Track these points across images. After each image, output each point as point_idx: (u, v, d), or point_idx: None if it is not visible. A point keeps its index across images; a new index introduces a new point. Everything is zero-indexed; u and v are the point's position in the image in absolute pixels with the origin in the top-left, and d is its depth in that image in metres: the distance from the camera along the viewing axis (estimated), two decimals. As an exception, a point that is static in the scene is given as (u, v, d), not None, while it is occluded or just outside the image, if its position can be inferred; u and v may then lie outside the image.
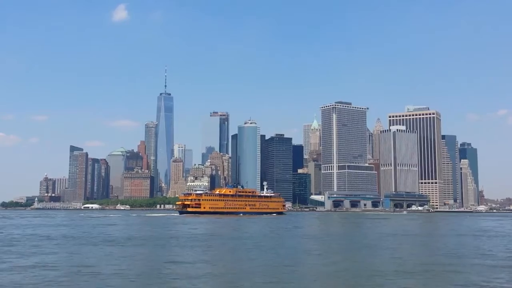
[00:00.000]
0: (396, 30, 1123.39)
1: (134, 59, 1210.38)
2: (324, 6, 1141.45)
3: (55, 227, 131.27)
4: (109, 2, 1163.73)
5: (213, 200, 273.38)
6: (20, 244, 72.69)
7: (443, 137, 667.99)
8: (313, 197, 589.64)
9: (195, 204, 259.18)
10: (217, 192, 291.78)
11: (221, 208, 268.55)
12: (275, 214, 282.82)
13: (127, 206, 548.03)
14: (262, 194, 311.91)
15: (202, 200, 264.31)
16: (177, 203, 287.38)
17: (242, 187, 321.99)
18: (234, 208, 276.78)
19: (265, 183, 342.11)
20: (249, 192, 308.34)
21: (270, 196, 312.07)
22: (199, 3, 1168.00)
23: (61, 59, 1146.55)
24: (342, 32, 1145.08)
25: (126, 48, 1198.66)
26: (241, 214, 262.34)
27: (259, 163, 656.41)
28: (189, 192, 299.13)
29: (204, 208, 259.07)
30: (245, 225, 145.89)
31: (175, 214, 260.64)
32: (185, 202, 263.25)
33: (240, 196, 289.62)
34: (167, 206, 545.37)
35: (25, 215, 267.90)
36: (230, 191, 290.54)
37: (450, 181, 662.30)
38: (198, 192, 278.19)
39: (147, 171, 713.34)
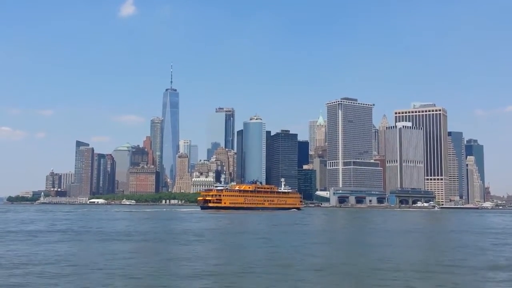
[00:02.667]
0: (402, 27, 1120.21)
1: (140, 54, 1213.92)
2: (330, 2, 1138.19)
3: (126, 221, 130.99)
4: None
5: (234, 196, 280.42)
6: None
7: (449, 133, 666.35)
8: (319, 193, 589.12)
9: (216, 199, 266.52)
10: (237, 188, 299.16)
11: (241, 203, 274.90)
12: (295, 210, 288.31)
13: (133, 201, 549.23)
14: (280, 190, 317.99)
15: (223, 195, 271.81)
16: (198, 198, 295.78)
17: (261, 183, 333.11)
18: (254, 203, 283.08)
19: (282, 179, 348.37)
20: (268, 188, 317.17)
21: (288, 192, 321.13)
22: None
23: (68, 53, 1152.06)
24: (348, 28, 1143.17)
25: (133, 44, 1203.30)
26: (260, 210, 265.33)
27: (265, 159, 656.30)
28: (209, 188, 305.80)
29: (225, 203, 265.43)
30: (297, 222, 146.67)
31: (197, 209, 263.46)
32: (207, 198, 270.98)
33: (259, 192, 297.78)
34: (172, 201, 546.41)
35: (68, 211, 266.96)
36: (249, 187, 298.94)
37: (456, 177, 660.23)
38: (218, 188, 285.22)
39: (152, 166, 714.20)
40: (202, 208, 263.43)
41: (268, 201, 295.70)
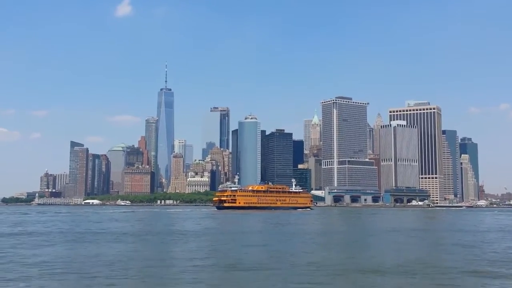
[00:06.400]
0: (397, 25, 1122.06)
1: (135, 54, 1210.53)
2: (325, 2, 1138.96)
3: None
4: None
5: (247, 196, 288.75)
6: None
7: (444, 132, 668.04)
8: (314, 192, 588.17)
9: (231, 199, 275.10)
10: (250, 188, 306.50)
11: (255, 203, 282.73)
12: (309, 209, 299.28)
13: (128, 202, 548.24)
14: (291, 190, 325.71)
15: (238, 196, 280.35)
16: (214, 199, 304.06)
17: (273, 183, 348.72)
18: (267, 203, 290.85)
19: (293, 180, 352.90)
20: (280, 188, 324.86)
21: (299, 192, 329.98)
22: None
23: (63, 53, 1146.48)
24: (342, 28, 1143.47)
25: (128, 44, 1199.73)
26: (273, 209, 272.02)
27: (260, 158, 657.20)
28: (223, 188, 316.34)
29: (239, 203, 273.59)
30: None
31: (213, 209, 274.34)
32: (222, 198, 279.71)
33: (271, 192, 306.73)
34: (167, 202, 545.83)
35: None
36: (262, 187, 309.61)
37: (450, 176, 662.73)
38: (233, 188, 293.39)
39: (147, 166, 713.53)
40: (218, 208, 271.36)
41: (280, 200, 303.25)
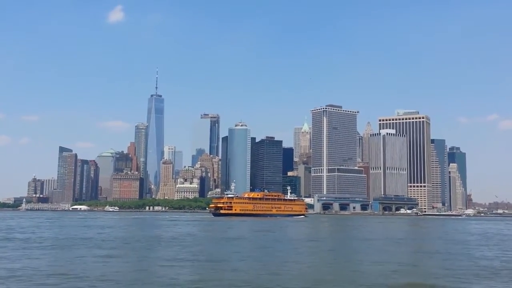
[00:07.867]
0: (387, 34, 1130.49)
1: (126, 60, 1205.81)
2: (315, 10, 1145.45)
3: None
4: (106, 3, 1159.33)
5: (243, 203, 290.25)
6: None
7: (432, 141, 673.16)
8: (303, 199, 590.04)
9: (227, 206, 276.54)
10: (246, 196, 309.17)
11: (251, 210, 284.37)
12: (302, 216, 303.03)
13: (116, 208, 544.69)
14: (286, 198, 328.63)
15: (234, 203, 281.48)
16: (210, 206, 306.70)
17: (269, 191, 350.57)
18: (262, 210, 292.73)
19: (288, 187, 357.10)
20: (275, 195, 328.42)
21: (294, 200, 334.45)
22: (194, 6, 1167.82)
23: (54, 58, 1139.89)
24: (333, 36, 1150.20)
25: (119, 50, 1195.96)
26: (268, 217, 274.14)
27: (249, 165, 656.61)
28: (220, 196, 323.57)
29: (235, 210, 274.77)
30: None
31: (210, 216, 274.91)
32: (218, 205, 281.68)
33: (267, 199, 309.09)
34: (156, 208, 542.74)
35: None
36: (258, 195, 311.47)
37: (438, 184, 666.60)
38: (229, 195, 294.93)
39: (136, 172, 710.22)
40: (215, 215, 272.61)
41: (275, 208, 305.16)
